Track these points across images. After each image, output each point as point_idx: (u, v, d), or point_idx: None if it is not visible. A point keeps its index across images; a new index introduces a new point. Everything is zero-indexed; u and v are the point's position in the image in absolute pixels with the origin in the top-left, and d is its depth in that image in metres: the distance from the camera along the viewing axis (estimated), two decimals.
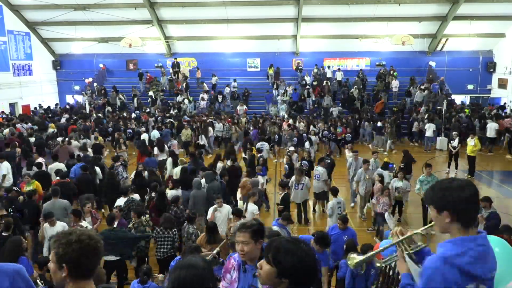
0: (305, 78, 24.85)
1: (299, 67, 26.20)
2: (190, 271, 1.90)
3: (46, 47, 27.25)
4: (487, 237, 2.00)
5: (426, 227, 2.30)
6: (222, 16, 23.82)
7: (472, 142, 13.57)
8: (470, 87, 26.22)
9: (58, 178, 9.46)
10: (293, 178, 10.01)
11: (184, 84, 24.85)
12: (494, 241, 2.54)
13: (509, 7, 22.42)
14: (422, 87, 23.22)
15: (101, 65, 27.67)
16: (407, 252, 2.24)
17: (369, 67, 26.60)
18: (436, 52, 26.05)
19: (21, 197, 8.30)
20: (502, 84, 24.81)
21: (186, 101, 23.59)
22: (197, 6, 23.18)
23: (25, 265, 4.87)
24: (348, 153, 13.04)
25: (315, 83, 24.32)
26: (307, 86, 24.13)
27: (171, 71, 26.30)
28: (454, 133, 14.95)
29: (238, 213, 7.26)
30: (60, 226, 6.95)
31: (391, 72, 24.83)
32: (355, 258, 2.60)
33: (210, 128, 17.48)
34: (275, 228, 6.40)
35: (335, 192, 8.80)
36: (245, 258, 2.84)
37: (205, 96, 23.89)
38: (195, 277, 1.88)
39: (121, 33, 24.92)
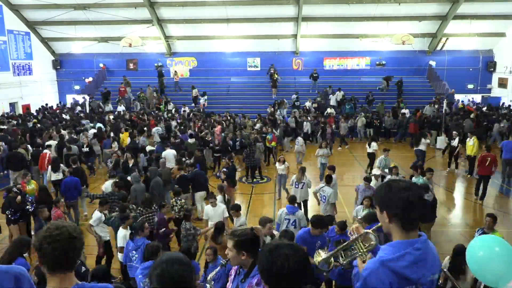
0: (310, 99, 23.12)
1: (314, 74, 24.68)
2: (176, 266, 1.88)
3: (46, 47, 27.25)
4: (427, 241, 2.01)
5: (376, 226, 2.27)
6: (222, 16, 23.82)
7: (471, 142, 13.56)
8: (470, 86, 26.24)
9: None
10: (294, 177, 9.99)
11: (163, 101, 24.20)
12: (494, 240, 2.54)
13: (509, 7, 22.42)
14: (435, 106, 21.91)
15: (101, 65, 27.67)
16: (361, 251, 2.30)
17: (369, 66, 26.61)
18: (436, 52, 26.05)
19: (19, 198, 8.30)
20: (502, 83, 24.82)
21: (173, 110, 23.15)
22: (197, 5, 23.18)
23: (23, 265, 4.85)
24: (279, 166, 11.51)
25: (314, 105, 22.79)
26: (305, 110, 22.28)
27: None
28: (454, 132, 14.93)
29: (236, 209, 7.40)
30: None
31: (399, 103, 22.82)
32: (320, 254, 2.51)
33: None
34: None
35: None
36: (230, 263, 2.93)
37: (187, 109, 23.02)
38: (180, 272, 1.87)
39: (121, 32, 24.92)
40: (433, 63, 25.95)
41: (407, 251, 1.93)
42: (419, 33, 24.42)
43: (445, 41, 25.56)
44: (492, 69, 25.68)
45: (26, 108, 24.20)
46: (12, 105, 23.95)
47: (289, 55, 26.73)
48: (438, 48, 25.96)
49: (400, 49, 25.24)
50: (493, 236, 2.64)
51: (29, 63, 25.41)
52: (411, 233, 1.97)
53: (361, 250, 2.31)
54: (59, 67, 27.92)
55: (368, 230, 2.35)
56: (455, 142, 14.19)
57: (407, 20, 23.91)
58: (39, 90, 26.03)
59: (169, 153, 12.18)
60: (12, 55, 23.77)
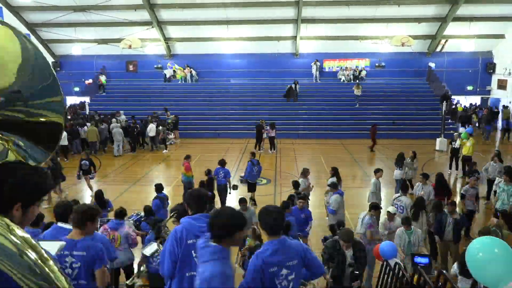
0: None
1: None
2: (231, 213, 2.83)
3: (46, 49, 27.27)
4: (285, 240, 3.22)
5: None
6: (222, 18, 23.88)
7: (468, 143, 13.58)
8: (469, 88, 26.30)
9: None
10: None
11: None
12: (493, 242, 2.56)
13: (509, 8, 22.48)
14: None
15: (101, 78, 27.48)
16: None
17: (369, 68, 26.68)
18: (436, 53, 26.10)
19: None
20: (502, 85, 24.86)
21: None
22: (197, 7, 23.22)
23: None
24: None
25: None
26: None
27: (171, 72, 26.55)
28: (455, 134, 14.98)
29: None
30: None
31: None
32: None
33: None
34: None
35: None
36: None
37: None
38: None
39: (121, 34, 24.96)
40: (432, 64, 25.99)
41: (268, 246, 3.18)
42: (419, 34, 24.49)
43: (445, 42, 25.62)
44: (491, 71, 25.73)
45: None
46: None
47: (288, 57, 26.78)
48: (438, 49, 26.02)
49: (400, 51, 25.29)
50: (493, 237, 2.66)
51: None
52: (272, 237, 3.19)
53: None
54: (58, 68, 27.94)
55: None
56: (456, 144, 14.20)
57: (406, 22, 23.98)
58: None
59: None
60: None
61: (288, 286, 3.16)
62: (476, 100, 26.53)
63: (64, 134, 16.56)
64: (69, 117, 21.31)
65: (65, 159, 16.53)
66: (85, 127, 18.30)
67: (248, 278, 3.14)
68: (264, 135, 18.08)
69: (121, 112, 21.77)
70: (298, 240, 6.82)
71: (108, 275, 3.79)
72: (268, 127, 17.92)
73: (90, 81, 26.78)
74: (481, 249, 2.51)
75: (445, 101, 20.29)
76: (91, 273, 3.51)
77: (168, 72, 26.76)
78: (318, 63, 26.02)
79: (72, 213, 3.75)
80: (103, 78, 25.94)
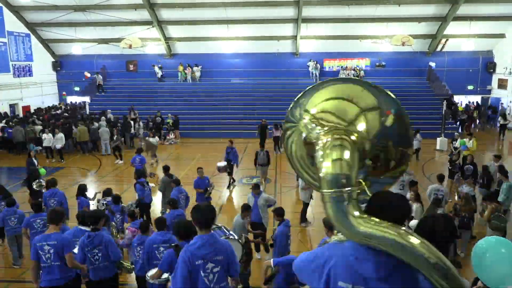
0: None
1: None
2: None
3: (46, 48, 27.24)
4: (213, 235, 3.58)
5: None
6: (222, 17, 23.85)
7: (470, 144, 13.54)
8: (470, 87, 26.27)
9: None
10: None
11: None
12: (500, 242, 2.55)
13: (509, 8, 22.45)
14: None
15: (97, 77, 27.46)
16: None
17: (369, 67, 26.67)
18: (436, 53, 26.08)
19: None
20: (502, 84, 24.85)
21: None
22: (197, 7, 23.19)
23: None
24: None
25: None
26: None
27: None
28: (456, 133, 14.99)
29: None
30: None
31: None
32: None
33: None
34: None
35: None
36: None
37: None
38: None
39: (121, 34, 24.93)
40: (433, 64, 25.98)
41: (196, 240, 3.52)
42: (419, 34, 24.47)
43: (445, 42, 25.59)
44: (491, 70, 25.72)
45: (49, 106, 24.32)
46: (13, 107, 23.94)
47: (289, 56, 26.76)
48: (438, 49, 25.99)
49: (400, 50, 25.26)
50: (499, 237, 2.63)
51: (29, 64, 25.40)
52: (202, 231, 3.52)
53: None
54: (59, 68, 27.93)
55: None
56: (457, 143, 14.19)
57: (406, 21, 23.94)
58: (39, 92, 26.03)
59: None
60: (12, 56, 23.76)
61: (213, 279, 3.52)
62: (476, 99, 26.47)
63: (61, 135, 16.56)
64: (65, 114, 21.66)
65: (62, 160, 16.58)
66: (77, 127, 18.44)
67: (177, 270, 3.49)
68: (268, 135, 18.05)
69: (109, 111, 22.03)
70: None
71: (73, 261, 5.02)
72: (272, 128, 17.86)
73: (88, 75, 26.81)
74: (487, 250, 2.48)
75: (445, 102, 20.28)
76: (61, 257, 4.94)
77: (157, 70, 26.73)
78: (317, 64, 25.94)
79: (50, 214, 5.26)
80: (99, 78, 25.86)
